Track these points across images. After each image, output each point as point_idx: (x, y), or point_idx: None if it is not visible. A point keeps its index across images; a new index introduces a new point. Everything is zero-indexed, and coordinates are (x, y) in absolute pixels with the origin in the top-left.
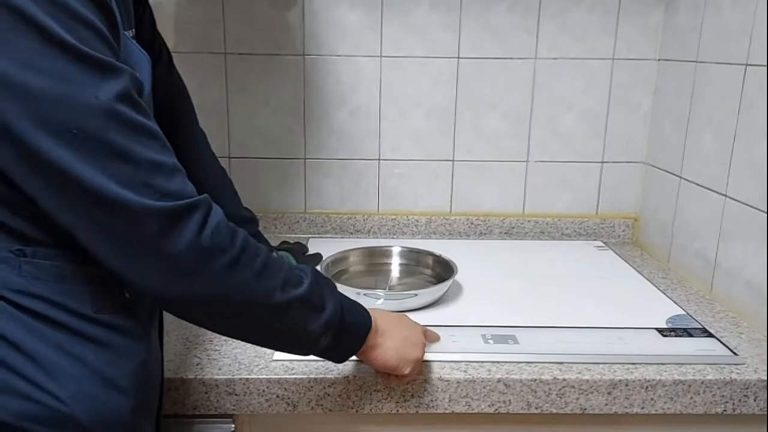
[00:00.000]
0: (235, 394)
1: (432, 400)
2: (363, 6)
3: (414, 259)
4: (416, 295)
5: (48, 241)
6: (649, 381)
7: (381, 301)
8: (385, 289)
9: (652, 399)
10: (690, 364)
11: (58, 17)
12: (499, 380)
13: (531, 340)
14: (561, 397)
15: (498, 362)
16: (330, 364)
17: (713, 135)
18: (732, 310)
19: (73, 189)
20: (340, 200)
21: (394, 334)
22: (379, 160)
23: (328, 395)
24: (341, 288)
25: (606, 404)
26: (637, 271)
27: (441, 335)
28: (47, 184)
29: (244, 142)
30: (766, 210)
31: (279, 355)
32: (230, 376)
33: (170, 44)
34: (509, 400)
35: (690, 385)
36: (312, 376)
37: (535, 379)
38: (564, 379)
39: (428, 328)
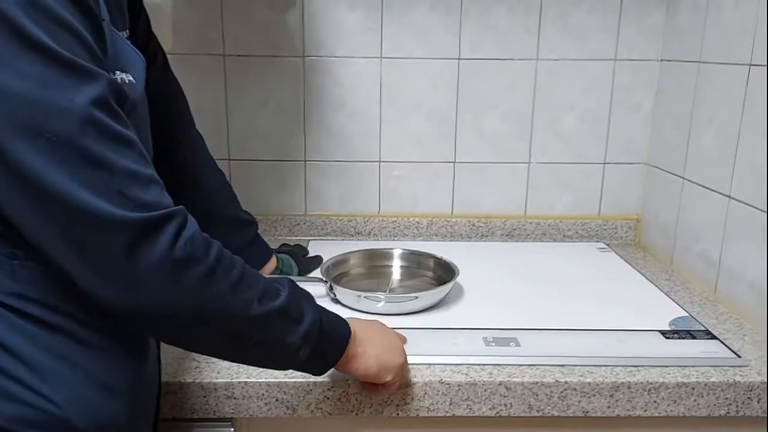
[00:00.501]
0: (234, 398)
1: (433, 404)
2: (362, 7)
3: (415, 262)
4: (417, 297)
5: None
6: (651, 384)
7: (382, 303)
8: (385, 291)
9: (655, 402)
10: (693, 366)
11: (38, 20)
12: (500, 383)
13: (533, 342)
14: (563, 400)
15: (499, 365)
16: None
17: (716, 135)
18: (735, 311)
19: (43, 195)
20: (341, 202)
21: (374, 341)
22: (379, 161)
23: (328, 398)
24: (342, 291)
25: (608, 407)
26: (640, 273)
27: (442, 338)
28: (16, 189)
29: (243, 145)
30: (766, 210)
31: None
32: (229, 380)
33: (168, 46)
34: (511, 404)
35: (693, 388)
36: (311, 379)
37: (537, 382)
38: (566, 382)
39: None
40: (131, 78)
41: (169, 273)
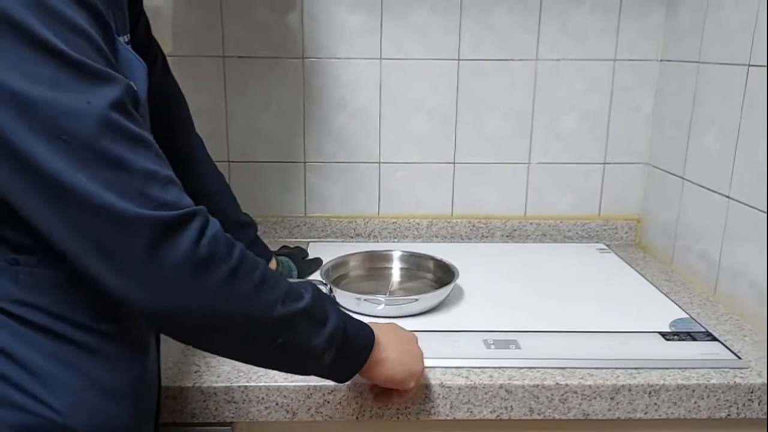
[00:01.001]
0: (234, 402)
1: (433, 407)
2: (363, 8)
3: (415, 264)
4: (417, 299)
5: (44, 250)
6: (652, 386)
7: (381, 306)
8: (385, 294)
9: (655, 404)
10: (694, 368)
11: (50, 24)
12: (501, 386)
13: (533, 345)
14: (564, 403)
15: (500, 368)
16: None
17: (716, 136)
18: (736, 312)
19: (66, 197)
20: (341, 204)
21: (396, 347)
22: (379, 163)
23: (328, 402)
24: (341, 293)
25: (609, 409)
26: (640, 274)
27: (443, 340)
28: (40, 192)
29: (243, 146)
30: (766, 211)
31: None
32: (229, 384)
33: (168, 48)
34: (511, 406)
35: (694, 390)
36: (311, 383)
37: (538, 385)
38: (566, 385)
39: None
40: (133, 85)
41: (192, 272)
